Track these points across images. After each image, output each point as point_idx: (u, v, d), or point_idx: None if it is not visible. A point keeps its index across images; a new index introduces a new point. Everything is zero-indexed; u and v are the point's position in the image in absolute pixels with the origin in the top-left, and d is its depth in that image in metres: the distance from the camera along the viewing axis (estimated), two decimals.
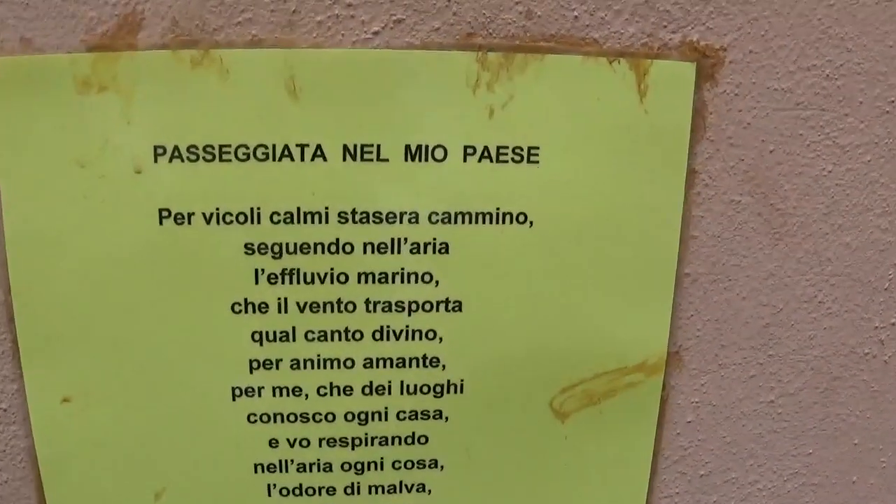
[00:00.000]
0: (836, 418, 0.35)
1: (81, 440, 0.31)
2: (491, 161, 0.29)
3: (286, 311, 0.30)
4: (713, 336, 0.33)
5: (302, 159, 0.28)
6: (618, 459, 0.33)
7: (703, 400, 0.34)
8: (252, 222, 0.29)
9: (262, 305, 0.30)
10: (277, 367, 0.30)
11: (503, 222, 0.29)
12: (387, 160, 0.28)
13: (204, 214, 0.29)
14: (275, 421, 0.31)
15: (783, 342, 0.34)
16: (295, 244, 0.29)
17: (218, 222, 0.29)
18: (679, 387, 0.33)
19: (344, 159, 0.28)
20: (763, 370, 0.34)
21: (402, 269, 0.29)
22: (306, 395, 0.31)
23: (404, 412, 0.31)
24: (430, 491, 0.32)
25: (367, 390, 0.31)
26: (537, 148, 0.29)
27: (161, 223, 0.29)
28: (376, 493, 0.32)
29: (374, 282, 0.30)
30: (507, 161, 0.29)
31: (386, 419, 0.31)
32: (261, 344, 0.30)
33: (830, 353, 0.34)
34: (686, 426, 0.34)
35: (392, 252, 0.29)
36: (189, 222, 0.29)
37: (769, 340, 0.33)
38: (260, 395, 0.31)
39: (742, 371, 0.34)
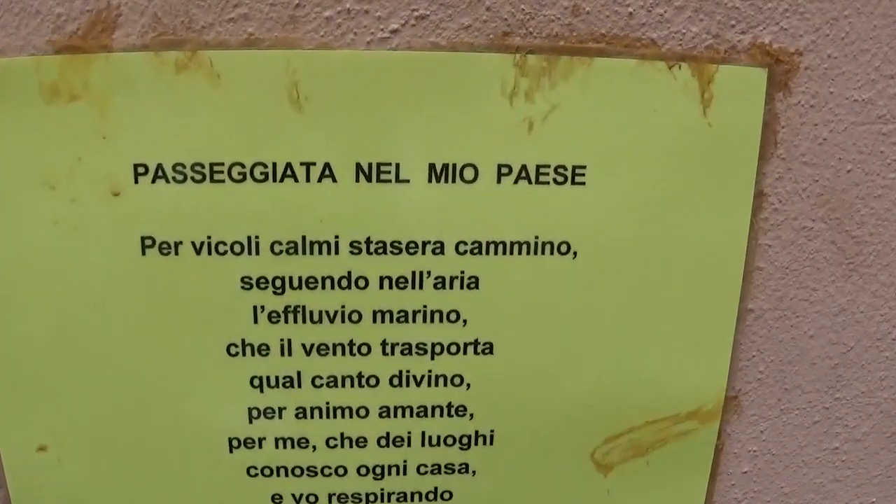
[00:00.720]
0: None
1: (59, 493, 0.27)
2: (529, 182, 0.25)
3: (290, 354, 0.26)
4: (776, 379, 0.29)
5: (307, 180, 0.24)
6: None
7: (762, 448, 0.30)
8: (249, 253, 0.25)
9: (263, 347, 0.26)
10: (280, 416, 0.26)
11: (542, 253, 0.25)
12: (407, 181, 0.24)
13: (193, 244, 0.25)
14: (278, 475, 0.27)
15: (852, 384, 0.30)
16: (300, 278, 0.25)
17: (210, 252, 0.25)
18: (736, 434, 0.29)
19: (357, 180, 0.24)
20: (828, 415, 0.30)
21: (425, 306, 0.25)
22: (314, 447, 0.27)
23: (426, 466, 0.27)
24: None
25: (383, 442, 0.27)
26: (583, 167, 0.25)
27: (143, 253, 0.25)
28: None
29: (391, 321, 0.26)
30: (547, 182, 0.25)
31: (405, 473, 0.27)
32: (261, 390, 0.26)
33: None
34: (741, 477, 0.30)
35: (413, 287, 0.25)
36: (176, 252, 0.25)
37: (837, 382, 0.30)
38: (261, 446, 0.27)
39: (806, 416, 0.30)
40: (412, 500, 0.28)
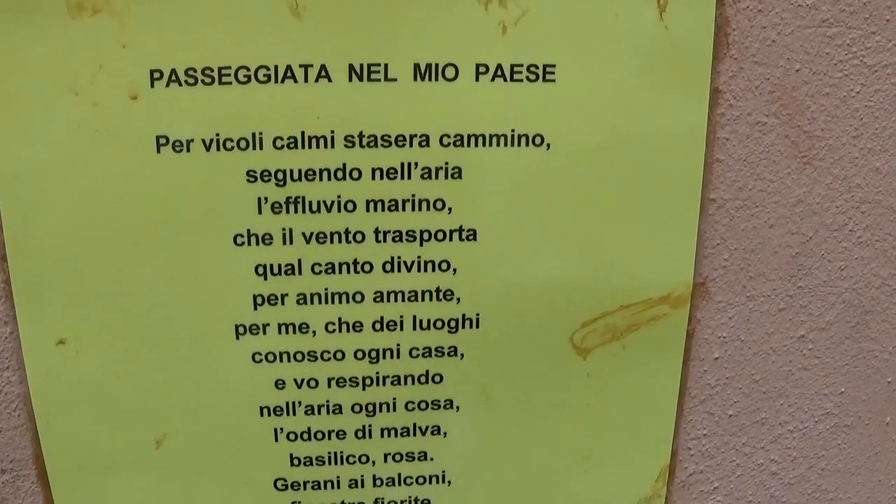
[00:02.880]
0: (868, 355, 0.39)
1: (78, 385, 0.34)
2: (504, 80, 0.32)
3: (291, 243, 0.33)
4: (740, 266, 0.36)
5: (305, 80, 0.31)
6: (642, 398, 0.37)
7: (731, 335, 0.37)
8: (254, 148, 0.32)
9: (266, 237, 0.33)
10: (283, 303, 0.34)
11: (518, 145, 0.33)
12: (395, 80, 0.32)
13: (203, 141, 0.32)
14: (281, 360, 0.34)
15: (813, 273, 0.37)
16: (299, 171, 0.32)
17: (218, 149, 0.32)
18: (706, 320, 0.37)
19: (350, 80, 0.32)
20: (793, 303, 0.37)
21: (413, 195, 0.33)
22: (314, 333, 0.34)
23: (417, 349, 0.35)
24: (445, 433, 0.36)
25: (377, 326, 0.34)
26: (553, 66, 0.32)
27: (158, 151, 0.32)
28: (388, 435, 0.36)
29: (383, 210, 0.33)
30: (521, 80, 0.32)
31: (398, 357, 0.35)
32: (265, 278, 0.33)
33: (862, 285, 0.38)
34: (713, 363, 0.37)
35: (402, 177, 0.33)
36: (188, 150, 0.32)
37: (798, 271, 0.37)
38: (265, 332, 0.34)
39: (771, 304, 0.37)
40: (405, 383, 0.35)
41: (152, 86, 0.32)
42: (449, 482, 0.38)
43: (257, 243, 0.33)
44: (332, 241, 0.34)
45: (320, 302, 0.34)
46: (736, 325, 0.38)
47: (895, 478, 0.43)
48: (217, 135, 0.32)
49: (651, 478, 0.39)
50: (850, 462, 0.42)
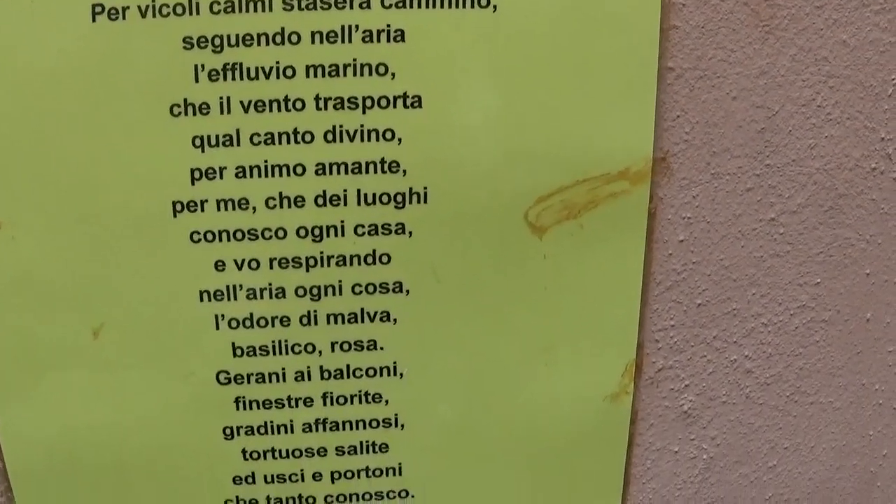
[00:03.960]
0: (843, 243, 0.40)
1: (12, 274, 0.36)
2: None
3: (229, 112, 0.34)
4: (703, 141, 0.38)
5: None
6: (604, 283, 0.38)
7: (696, 216, 0.38)
8: (190, 14, 0.34)
9: (203, 106, 0.34)
10: (221, 177, 0.35)
11: (463, 6, 0.34)
12: None
13: (139, 7, 0.33)
14: (220, 240, 0.36)
15: (781, 150, 0.38)
16: (237, 36, 0.34)
17: (154, 15, 0.34)
18: (668, 199, 0.38)
19: None
20: (761, 182, 0.39)
21: (355, 59, 0.34)
22: (254, 209, 0.35)
23: (363, 226, 0.36)
24: (395, 320, 0.37)
25: (320, 201, 0.36)
26: None
27: (94, 20, 0.33)
28: (335, 322, 0.37)
29: (323, 75, 0.34)
30: None
31: (343, 234, 0.36)
32: (202, 150, 0.35)
33: (833, 165, 0.39)
34: (678, 246, 0.39)
35: (343, 41, 0.34)
36: (123, 17, 0.33)
37: (766, 148, 0.38)
38: (203, 209, 0.35)
39: (738, 183, 0.38)
40: (351, 263, 0.36)
41: None
42: (401, 375, 0.39)
43: (194, 113, 0.35)
44: (271, 110, 0.35)
45: (260, 175, 0.36)
46: (701, 206, 0.39)
47: (879, 381, 0.44)
48: (153, 1, 0.34)
49: (616, 373, 0.40)
50: (829, 362, 0.43)
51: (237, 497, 0.41)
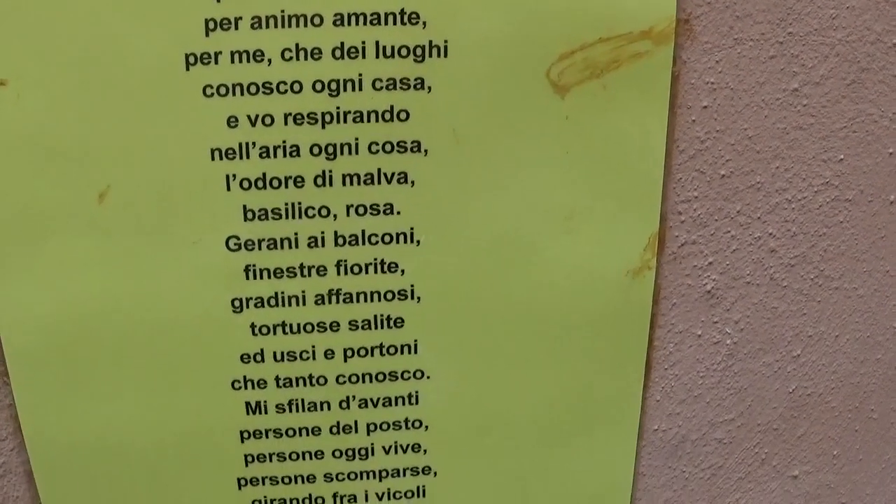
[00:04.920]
0: (867, 119, 0.43)
1: (17, 133, 0.37)
2: None
3: None
4: (726, 4, 0.40)
5: None
6: (627, 148, 0.40)
7: (720, 81, 0.41)
8: None
9: None
10: (236, 27, 0.37)
11: None
12: None
13: None
14: (234, 93, 0.37)
15: (803, 19, 0.41)
16: None
17: None
18: (691, 63, 0.40)
19: None
20: (784, 50, 0.41)
21: None
22: (269, 61, 0.37)
23: (381, 80, 0.38)
24: (412, 182, 0.39)
25: (337, 53, 0.37)
26: None
27: None
28: (351, 183, 0.39)
29: None
30: None
31: (360, 89, 0.38)
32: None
33: (855, 38, 0.42)
34: (702, 112, 0.41)
35: None
36: None
37: (788, 15, 0.41)
38: (217, 61, 0.37)
39: (760, 49, 0.41)
40: (368, 119, 0.38)
41: None
42: (417, 242, 0.40)
43: None
44: None
45: (276, 26, 0.37)
46: (724, 71, 0.41)
47: None
48: None
49: (639, 246, 0.42)
50: (853, 244, 0.45)
51: (244, 377, 0.42)
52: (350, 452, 0.44)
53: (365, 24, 0.38)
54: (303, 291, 0.41)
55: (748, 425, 0.49)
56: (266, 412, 0.43)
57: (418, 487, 0.46)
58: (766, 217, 0.44)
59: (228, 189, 0.39)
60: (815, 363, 0.48)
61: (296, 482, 0.45)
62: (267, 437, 0.43)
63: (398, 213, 0.41)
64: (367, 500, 0.46)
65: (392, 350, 0.43)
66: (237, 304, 0.41)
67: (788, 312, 0.46)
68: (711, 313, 0.45)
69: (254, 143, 0.39)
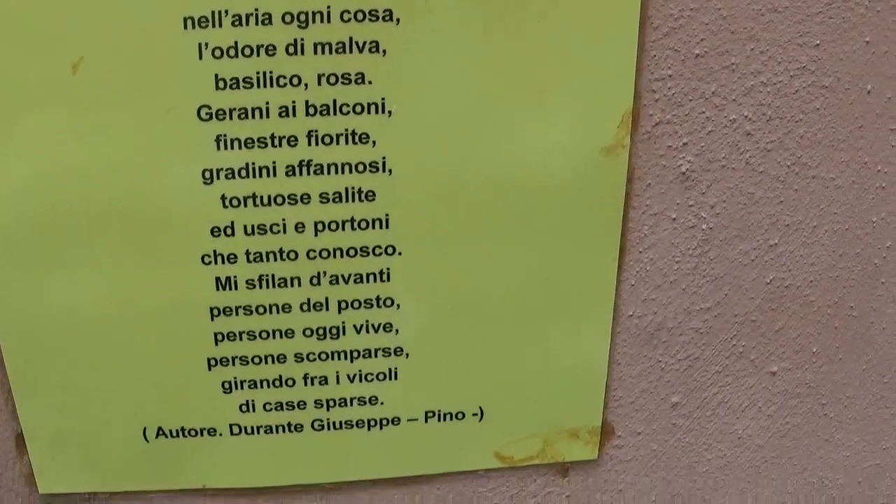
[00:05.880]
0: (842, 5, 0.47)
1: None
2: None
3: None
4: None
5: None
6: (600, 20, 0.44)
7: None
8: None
9: None
10: None
11: None
12: None
13: None
14: None
15: None
16: None
17: None
18: None
19: None
20: None
21: None
22: None
23: None
24: (384, 51, 0.43)
25: None
26: None
27: None
28: (323, 52, 0.42)
29: None
30: None
31: None
32: None
33: None
34: None
35: None
36: None
37: None
38: None
39: None
40: None
41: None
42: (389, 113, 0.44)
43: None
44: None
45: None
46: None
47: (882, 162, 0.50)
48: None
49: (613, 122, 0.46)
50: (830, 132, 0.49)
51: (215, 252, 0.46)
52: (321, 331, 0.49)
53: None
54: (273, 162, 0.45)
55: (725, 315, 0.53)
56: (236, 288, 0.47)
57: (390, 369, 0.50)
58: (741, 99, 0.48)
59: (200, 58, 0.43)
60: (793, 254, 0.52)
61: (266, 362, 0.49)
62: (237, 314, 0.47)
63: (369, 82, 0.44)
64: (338, 381, 0.50)
65: (363, 224, 0.46)
66: (208, 175, 0.45)
67: (765, 199, 0.50)
68: (686, 196, 0.49)
69: (226, 12, 0.42)
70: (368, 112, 0.45)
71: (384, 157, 0.46)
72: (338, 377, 0.50)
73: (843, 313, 0.55)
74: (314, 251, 0.47)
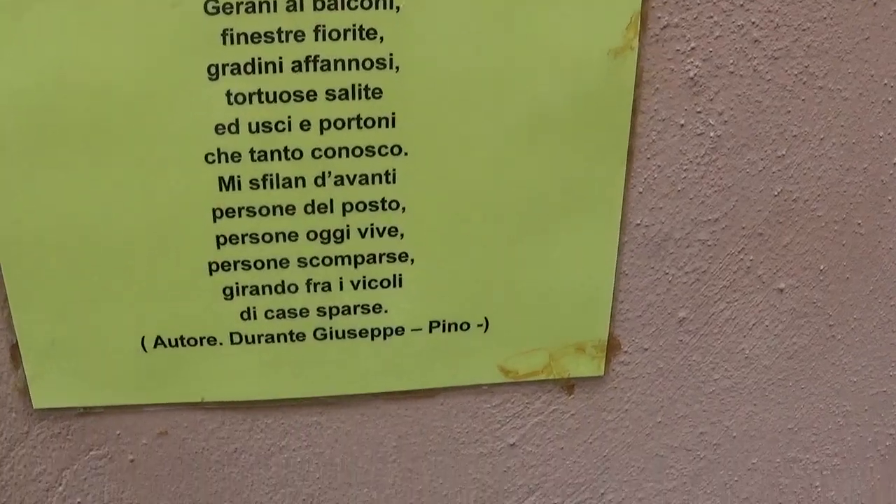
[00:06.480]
0: None
1: None
2: None
3: None
4: None
5: None
6: None
7: None
8: None
9: None
10: None
11: None
12: None
13: None
14: None
15: None
16: None
17: None
18: None
19: None
20: None
21: None
22: None
23: None
24: None
25: None
26: None
27: None
28: None
29: None
30: None
31: None
32: None
33: None
34: None
35: None
36: None
37: None
38: None
39: None
40: None
41: None
42: (397, 8, 0.46)
43: None
44: None
45: None
46: None
47: (888, 76, 0.53)
48: None
49: (621, 24, 0.48)
50: (837, 43, 0.51)
51: (218, 150, 0.47)
52: (325, 234, 0.51)
53: None
54: (280, 58, 0.47)
55: (733, 228, 0.55)
56: (239, 188, 0.49)
57: (395, 276, 0.52)
58: (748, 5, 0.50)
59: None
60: (801, 166, 0.54)
61: (268, 267, 0.51)
62: (240, 215, 0.49)
63: None
64: (341, 288, 0.52)
65: (369, 123, 0.48)
66: (213, 70, 0.46)
67: (773, 108, 0.52)
68: (694, 102, 0.51)
69: None
70: (376, 7, 0.47)
71: (391, 54, 0.48)
72: (341, 283, 0.52)
73: (850, 230, 0.58)
74: (319, 150, 0.49)
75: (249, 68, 0.47)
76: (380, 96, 0.49)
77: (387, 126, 0.49)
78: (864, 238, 0.58)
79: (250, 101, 0.47)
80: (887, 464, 0.67)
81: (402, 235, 0.51)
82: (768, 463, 0.65)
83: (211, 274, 0.51)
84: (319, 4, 0.47)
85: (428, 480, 0.60)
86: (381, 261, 0.52)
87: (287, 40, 0.47)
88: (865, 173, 0.57)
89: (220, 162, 0.48)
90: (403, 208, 0.51)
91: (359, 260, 0.52)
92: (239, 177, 0.49)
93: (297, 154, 0.49)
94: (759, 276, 0.58)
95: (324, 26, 0.47)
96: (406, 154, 0.50)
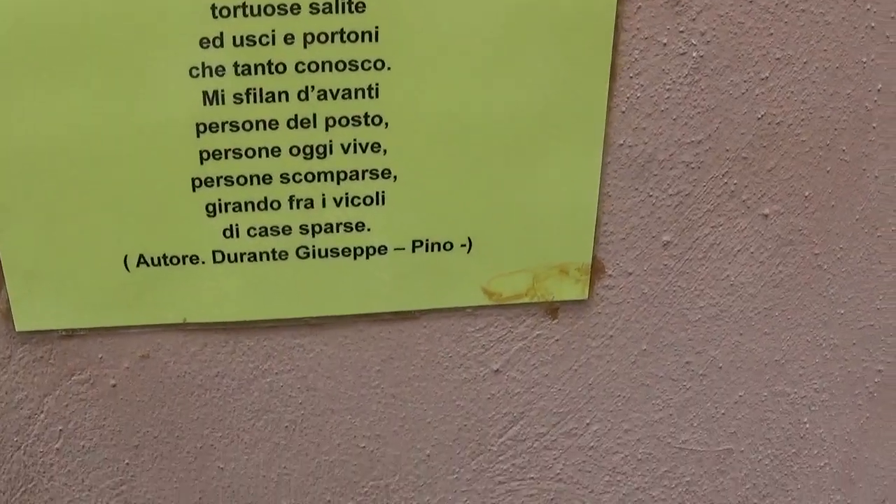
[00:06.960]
0: None
1: None
2: None
3: None
4: None
5: None
6: None
7: None
8: None
9: None
10: None
11: None
12: None
13: None
14: None
15: None
16: None
17: None
18: None
19: None
20: None
21: None
22: None
23: None
24: None
25: None
26: None
27: None
28: None
29: None
30: None
31: None
32: None
33: None
34: None
35: None
36: None
37: None
38: None
39: None
40: None
41: None
42: None
43: None
44: None
45: None
46: None
47: (872, 1, 0.54)
48: None
49: None
50: None
51: (203, 63, 0.50)
52: (308, 150, 0.53)
53: None
54: None
55: (716, 150, 0.58)
56: (223, 102, 0.51)
57: (377, 193, 0.55)
58: None
59: None
60: (784, 89, 0.56)
61: (251, 182, 0.53)
62: (223, 130, 0.52)
63: None
64: (324, 205, 0.54)
65: (353, 37, 0.51)
66: None
67: (755, 30, 0.54)
68: (677, 21, 0.53)
69: None
70: None
71: None
72: (324, 200, 0.54)
73: (835, 156, 0.60)
74: (303, 64, 0.51)
75: None
76: (363, 10, 0.51)
77: (370, 40, 0.51)
78: (849, 165, 0.61)
79: (235, 15, 0.50)
80: (875, 402, 0.70)
81: (384, 151, 0.54)
82: (755, 396, 0.67)
83: (194, 190, 0.53)
84: None
85: (412, 407, 0.63)
86: (363, 177, 0.54)
87: None
88: (849, 99, 0.59)
89: (204, 76, 0.51)
90: (386, 123, 0.53)
91: (341, 176, 0.54)
92: (223, 91, 0.51)
93: (280, 68, 0.51)
94: (743, 200, 0.60)
95: None
96: (389, 69, 0.52)
